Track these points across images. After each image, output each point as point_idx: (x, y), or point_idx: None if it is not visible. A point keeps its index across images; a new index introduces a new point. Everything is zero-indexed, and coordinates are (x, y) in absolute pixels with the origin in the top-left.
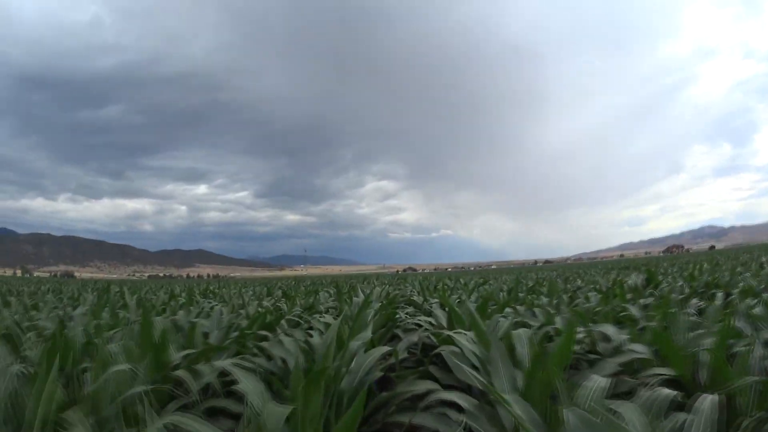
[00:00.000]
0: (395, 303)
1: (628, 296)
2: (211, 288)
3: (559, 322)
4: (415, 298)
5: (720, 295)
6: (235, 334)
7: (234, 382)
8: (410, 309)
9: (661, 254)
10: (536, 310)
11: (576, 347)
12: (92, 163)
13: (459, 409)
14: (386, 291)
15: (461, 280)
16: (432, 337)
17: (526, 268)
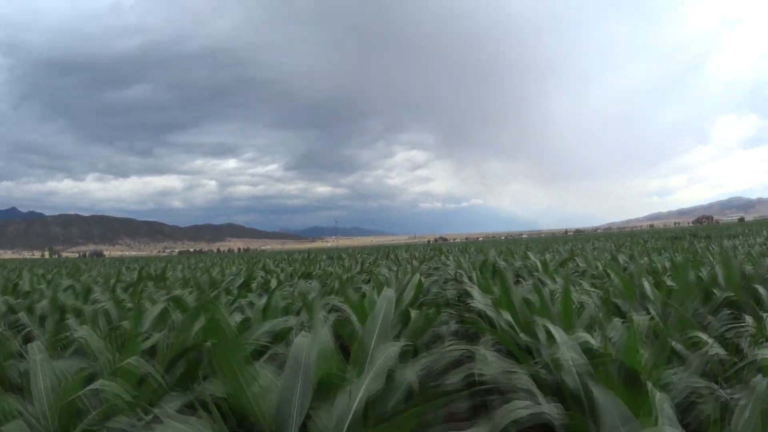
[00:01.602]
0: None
1: None
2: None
3: None
4: (478, 303)
5: None
6: None
7: None
8: (495, 353)
9: (691, 225)
10: None
11: None
12: (120, 143)
13: None
14: (417, 280)
15: (528, 253)
16: None
17: (562, 237)
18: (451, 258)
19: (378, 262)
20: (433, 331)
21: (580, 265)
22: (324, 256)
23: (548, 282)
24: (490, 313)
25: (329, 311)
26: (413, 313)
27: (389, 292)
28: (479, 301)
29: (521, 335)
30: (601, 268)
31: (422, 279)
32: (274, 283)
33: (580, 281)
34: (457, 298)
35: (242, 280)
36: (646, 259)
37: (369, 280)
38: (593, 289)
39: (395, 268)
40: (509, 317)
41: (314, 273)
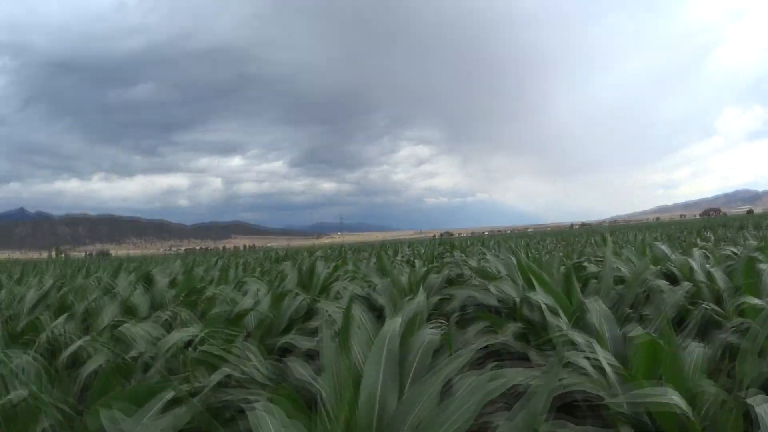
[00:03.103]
0: None
1: None
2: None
3: None
4: None
5: None
6: None
7: None
8: None
9: (698, 217)
10: None
11: None
12: (125, 142)
13: None
14: None
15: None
16: None
17: (573, 231)
18: (487, 255)
19: (357, 263)
20: None
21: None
22: (305, 253)
23: None
24: None
25: None
26: None
27: None
28: None
29: None
30: None
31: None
32: None
33: None
34: None
35: None
36: None
37: (310, 316)
38: None
39: (382, 280)
40: None
41: (208, 295)
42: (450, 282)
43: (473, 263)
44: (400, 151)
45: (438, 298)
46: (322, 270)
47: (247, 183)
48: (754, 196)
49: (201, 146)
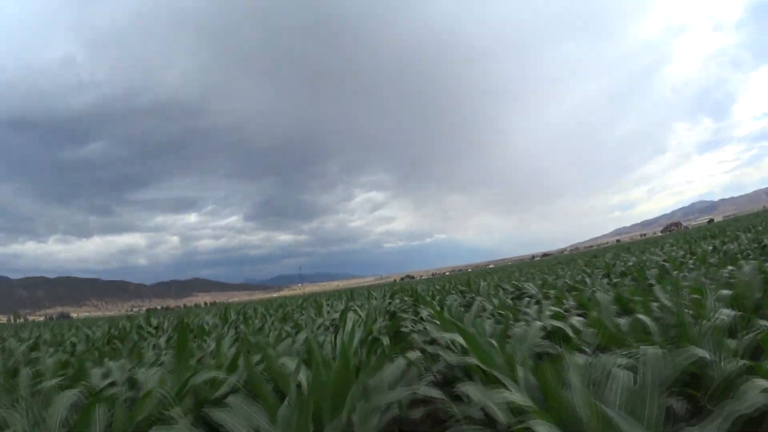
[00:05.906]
0: None
1: None
2: None
3: None
4: None
5: None
6: None
7: None
8: None
9: (659, 234)
10: None
11: None
12: (79, 202)
13: None
14: None
15: None
16: None
17: (537, 263)
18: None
19: None
20: None
21: None
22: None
23: None
24: None
25: None
26: None
27: None
28: None
29: None
30: None
31: None
32: None
33: None
34: None
35: None
36: None
37: None
38: None
39: None
40: None
41: None
42: None
43: None
44: (354, 198)
45: None
46: None
47: (204, 240)
48: (710, 207)
49: (155, 204)
